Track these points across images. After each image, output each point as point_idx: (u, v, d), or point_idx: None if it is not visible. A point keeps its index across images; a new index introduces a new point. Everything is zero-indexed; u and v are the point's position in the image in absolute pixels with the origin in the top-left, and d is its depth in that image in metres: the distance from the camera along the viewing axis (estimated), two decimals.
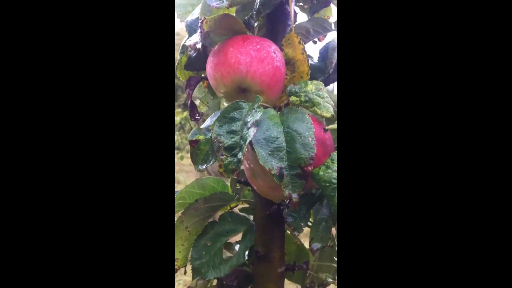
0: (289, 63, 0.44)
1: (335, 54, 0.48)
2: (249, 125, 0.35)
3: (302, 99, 0.39)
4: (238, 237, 0.51)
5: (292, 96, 0.40)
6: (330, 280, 0.48)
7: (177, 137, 4.72)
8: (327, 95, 0.40)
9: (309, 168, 0.34)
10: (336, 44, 0.48)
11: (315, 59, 0.50)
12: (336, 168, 0.35)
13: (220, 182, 0.52)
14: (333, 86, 0.51)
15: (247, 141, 0.34)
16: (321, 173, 0.34)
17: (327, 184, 0.34)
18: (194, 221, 0.49)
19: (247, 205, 0.53)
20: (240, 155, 0.35)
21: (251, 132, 0.34)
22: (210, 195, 0.49)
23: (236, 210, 0.55)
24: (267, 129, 0.35)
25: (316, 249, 0.36)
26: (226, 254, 0.51)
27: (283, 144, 0.35)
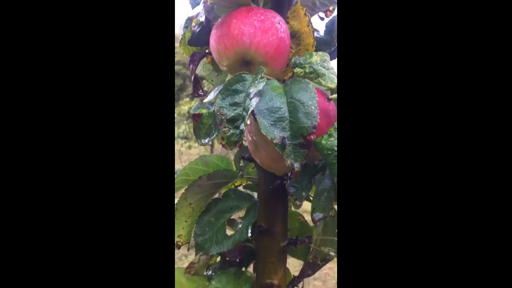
0: (295, 36, 0.43)
1: None
2: (251, 95, 0.34)
3: (307, 70, 0.39)
4: (242, 214, 0.51)
5: (296, 68, 0.39)
6: (332, 254, 0.48)
7: (185, 127, 4.73)
8: (332, 67, 0.40)
9: (312, 137, 0.33)
10: None
11: (322, 33, 0.49)
12: None
13: (223, 159, 0.52)
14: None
15: (249, 111, 0.33)
16: (323, 141, 0.34)
17: (329, 152, 0.33)
18: (198, 198, 0.49)
19: (250, 183, 0.53)
20: (242, 126, 0.34)
21: (254, 102, 0.33)
22: (213, 172, 0.49)
23: (240, 188, 0.55)
24: (270, 99, 0.35)
25: (318, 219, 0.36)
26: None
27: (286, 114, 0.34)
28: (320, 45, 0.45)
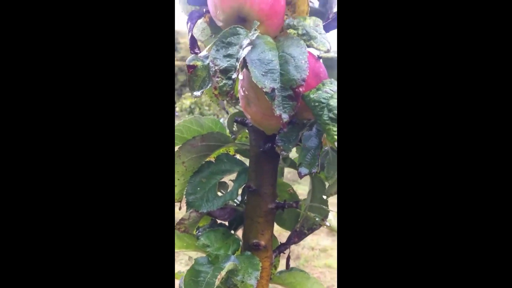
0: (290, 3, 0.45)
1: (336, 0, 0.48)
2: (244, 46, 0.36)
3: (300, 32, 0.40)
4: (233, 178, 0.52)
5: (290, 29, 0.41)
6: (318, 220, 0.49)
7: None
8: (324, 32, 0.41)
9: (300, 89, 0.35)
10: None
11: (317, 5, 0.51)
12: (326, 89, 0.35)
13: (217, 123, 0.53)
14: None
15: (241, 58, 0.35)
16: (311, 95, 0.35)
17: (316, 104, 0.35)
18: (191, 157, 0.51)
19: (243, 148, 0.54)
20: (234, 75, 0.36)
21: (246, 51, 0.35)
22: (207, 134, 0.51)
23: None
24: (262, 51, 0.36)
25: (304, 174, 0.37)
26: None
27: (277, 66, 0.36)
28: (315, 15, 0.47)
